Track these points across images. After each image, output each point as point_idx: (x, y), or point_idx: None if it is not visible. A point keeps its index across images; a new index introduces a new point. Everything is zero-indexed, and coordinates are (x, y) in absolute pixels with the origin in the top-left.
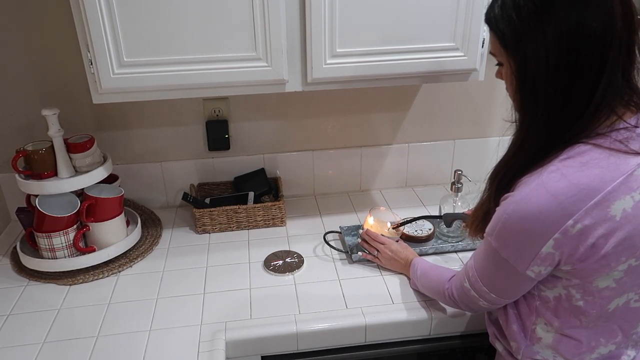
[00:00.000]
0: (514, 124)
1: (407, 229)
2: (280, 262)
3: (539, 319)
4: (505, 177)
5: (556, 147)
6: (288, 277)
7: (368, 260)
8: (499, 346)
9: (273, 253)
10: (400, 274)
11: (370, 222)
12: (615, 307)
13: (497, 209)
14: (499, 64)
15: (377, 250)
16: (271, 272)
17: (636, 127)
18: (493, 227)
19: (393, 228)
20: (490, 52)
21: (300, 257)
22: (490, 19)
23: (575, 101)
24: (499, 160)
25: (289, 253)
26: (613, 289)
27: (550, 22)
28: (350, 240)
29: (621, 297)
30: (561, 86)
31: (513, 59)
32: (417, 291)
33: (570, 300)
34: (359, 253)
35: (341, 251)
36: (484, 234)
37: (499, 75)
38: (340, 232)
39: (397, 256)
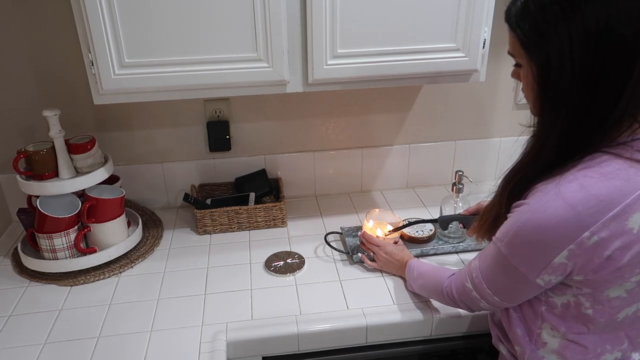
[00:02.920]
0: (531, 128)
1: (408, 230)
2: (281, 262)
3: (545, 324)
4: (519, 184)
5: (575, 155)
6: (289, 278)
7: None
8: (502, 349)
9: (274, 254)
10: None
11: (369, 226)
12: (624, 316)
13: (510, 215)
14: (517, 65)
15: (373, 253)
16: (272, 272)
17: None
18: (505, 234)
19: (385, 235)
20: (509, 53)
21: (301, 257)
22: (510, 18)
23: (598, 110)
24: (513, 164)
25: (290, 254)
26: (623, 299)
27: (578, 25)
28: (351, 241)
29: (631, 307)
30: (585, 93)
31: (535, 63)
32: (414, 293)
33: (579, 308)
34: (359, 254)
35: (342, 252)
36: (494, 239)
37: (515, 75)
38: (341, 233)
39: (392, 257)
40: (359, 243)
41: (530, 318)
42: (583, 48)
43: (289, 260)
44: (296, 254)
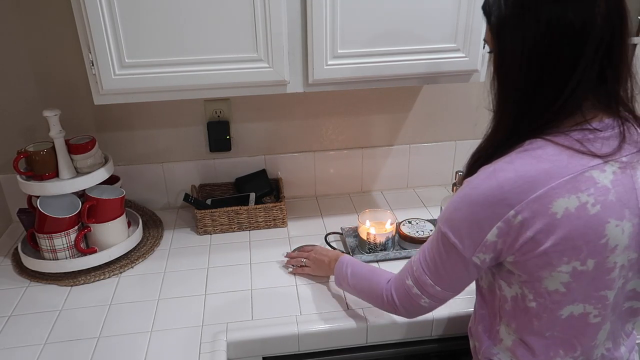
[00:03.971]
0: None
1: (408, 230)
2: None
3: (502, 321)
4: (474, 165)
5: (520, 139)
6: (289, 278)
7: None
8: (471, 342)
9: (300, 247)
10: None
11: (366, 227)
12: (568, 314)
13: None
14: (490, 52)
15: (305, 259)
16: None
17: (599, 130)
18: (445, 211)
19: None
20: (484, 39)
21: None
22: (485, 5)
23: (544, 95)
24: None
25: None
26: (563, 294)
27: (531, 11)
28: (351, 241)
29: (575, 306)
30: (532, 77)
31: (495, 46)
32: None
33: (525, 300)
34: (289, 269)
35: (342, 252)
36: (437, 220)
37: None
38: (341, 234)
39: (322, 255)
40: (286, 262)
41: (492, 315)
42: (534, 33)
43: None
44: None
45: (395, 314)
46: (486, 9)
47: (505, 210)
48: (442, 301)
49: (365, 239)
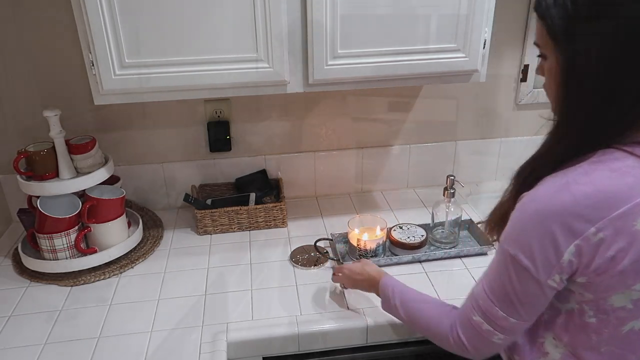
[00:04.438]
0: (552, 121)
1: (399, 236)
2: (307, 255)
3: (547, 333)
4: (531, 176)
5: (589, 149)
6: (290, 278)
7: None
8: (504, 356)
9: (301, 247)
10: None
11: (356, 233)
12: (629, 329)
13: (515, 210)
14: (541, 56)
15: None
16: (298, 266)
17: None
18: (511, 231)
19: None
20: (535, 43)
21: (325, 251)
22: (540, 5)
23: (621, 103)
24: (527, 158)
25: (316, 247)
26: (629, 310)
27: (609, 16)
28: (341, 247)
29: (638, 321)
30: (611, 86)
31: (562, 53)
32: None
33: (583, 316)
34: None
35: (332, 259)
36: (499, 244)
37: (540, 70)
38: (331, 240)
39: (354, 273)
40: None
41: (533, 327)
42: (612, 39)
43: (312, 254)
44: (323, 248)
45: (467, 357)
46: (542, 9)
47: (584, 227)
48: (516, 334)
49: (356, 245)
